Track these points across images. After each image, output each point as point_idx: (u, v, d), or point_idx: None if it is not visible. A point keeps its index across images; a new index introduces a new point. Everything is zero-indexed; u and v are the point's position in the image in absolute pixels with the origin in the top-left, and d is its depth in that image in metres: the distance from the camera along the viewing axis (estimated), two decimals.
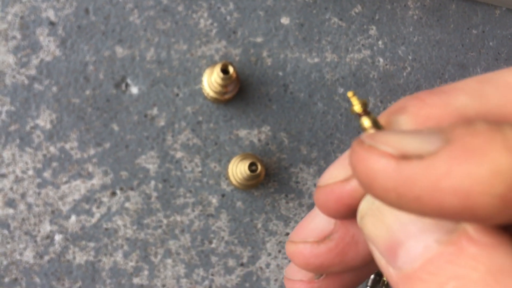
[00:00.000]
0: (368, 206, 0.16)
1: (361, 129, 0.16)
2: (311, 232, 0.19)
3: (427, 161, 0.13)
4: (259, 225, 0.44)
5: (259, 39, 0.45)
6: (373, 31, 0.47)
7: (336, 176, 0.17)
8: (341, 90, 0.46)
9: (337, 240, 0.19)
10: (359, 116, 0.16)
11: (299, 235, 0.20)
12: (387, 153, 0.13)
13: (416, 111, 0.16)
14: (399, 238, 0.14)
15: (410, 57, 0.47)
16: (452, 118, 0.15)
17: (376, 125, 0.16)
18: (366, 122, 0.15)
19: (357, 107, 0.16)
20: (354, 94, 0.16)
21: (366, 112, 0.16)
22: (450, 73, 0.48)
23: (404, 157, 0.13)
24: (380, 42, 0.47)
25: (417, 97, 0.16)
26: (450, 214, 0.13)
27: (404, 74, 0.47)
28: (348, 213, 0.18)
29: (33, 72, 0.42)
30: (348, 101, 0.46)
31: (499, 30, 0.49)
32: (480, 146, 0.12)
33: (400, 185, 0.13)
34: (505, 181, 0.12)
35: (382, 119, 0.16)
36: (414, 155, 0.13)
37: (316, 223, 0.19)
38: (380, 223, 0.15)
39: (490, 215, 0.12)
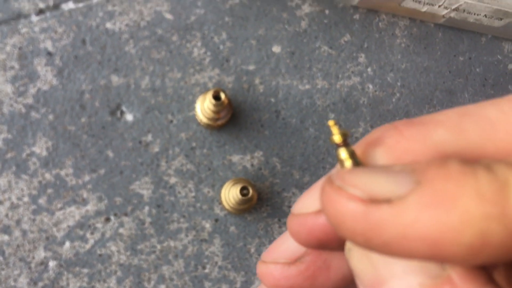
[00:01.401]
0: None
1: (336, 160, 0.16)
2: (283, 253, 0.19)
3: (395, 206, 0.12)
4: (253, 250, 0.44)
5: (251, 67, 0.46)
6: (362, 58, 0.48)
7: (310, 205, 0.17)
8: (332, 115, 0.47)
9: (308, 263, 0.19)
10: (337, 146, 0.16)
11: (271, 255, 0.19)
12: (356, 196, 0.13)
13: (393, 144, 0.15)
14: (383, 276, 0.14)
15: (398, 84, 0.48)
16: (429, 154, 0.15)
17: (353, 158, 0.15)
18: (343, 154, 0.15)
19: (336, 137, 0.16)
20: (336, 124, 0.16)
21: (345, 143, 0.16)
22: (438, 98, 0.49)
23: (373, 201, 0.13)
24: (369, 69, 0.48)
25: (395, 127, 0.16)
26: (420, 259, 0.13)
27: (393, 100, 0.48)
28: (319, 245, 0.17)
29: (30, 101, 0.43)
30: (340, 126, 0.46)
31: (485, 57, 0.50)
32: (450, 192, 0.12)
33: (368, 230, 0.13)
34: (474, 230, 0.12)
35: (358, 149, 0.16)
36: (383, 199, 0.13)
37: (289, 244, 0.19)
38: (365, 259, 0.15)
39: (460, 262, 0.12)
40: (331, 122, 0.16)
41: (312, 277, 0.19)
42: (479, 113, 0.15)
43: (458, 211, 0.12)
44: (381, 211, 0.13)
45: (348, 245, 0.16)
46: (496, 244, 0.12)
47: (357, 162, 0.15)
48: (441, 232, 0.12)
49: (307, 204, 0.17)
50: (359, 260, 0.15)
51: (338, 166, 0.17)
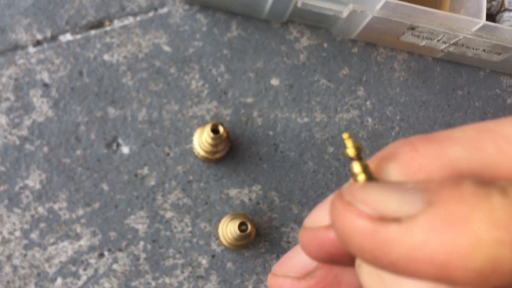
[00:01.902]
0: None
1: (350, 174, 0.16)
2: (294, 267, 0.19)
3: (404, 226, 0.12)
4: (250, 287, 0.43)
5: (249, 100, 0.46)
6: (361, 91, 0.48)
7: (322, 219, 0.17)
8: (331, 149, 0.46)
9: (319, 278, 0.18)
10: (350, 160, 0.15)
11: (281, 269, 0.19)
12: (365, 213, 0.13)
13: (407, 161, 0.15)
14: None
15: (397, 117, 0.48)
16: (443, 171, 0.14)
17: (366, 172, 0.15)
18: (356, 167, 0.15)
19: (350, 150, 0.15)
20: (350, 137, 0.16)
21: (358, 157, 0.15)
22: None
23: (382, 219, 0.13)
24: (368, 103, 0.48)
25: (410, 143, 0.15)
26: (428, 280, 0.12)
27: (393, 133, 0.48)
28: (330, 259, 0.17)
29: (24, 132, 0.42)
30: (339, 160, 0.46)
31: (484, 91, 0.50)
32: (462, 214, 0.12)
33: (376, 248, 0.13)
34: (485, 256, 0.11)
35: (372, 164, 0.16)
36: (392, 217, 0.12)
37: (300, 258, 0.19)
38: (375, 275, 0.14)
39: (470, 286, 0.12)
40: (345, 135, 0.16)
41: None
42: (497, 130, 0.14)
43: (468, 235, 0.11)
44: (389, 230, 0.12)
45: (358, 260, 0.15)
46: (508, 270, 0.11)
47: (370, 176, 0.15)
48: (450, 256, 0.11)
49: (319, 218, 0.17)
50: (369, 276, 0.15)
51: (351, 180, 0.16)
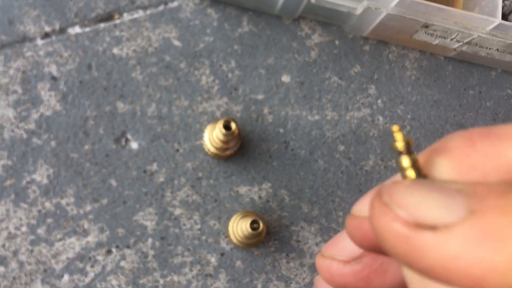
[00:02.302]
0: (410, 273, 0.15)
1: (397, 168, 0.15)
2: (341, 250, 0.19)
3: (440, 235, 0.12)
4: (259, 286, 0.42)
5: (260, 96, 0.45)
6: (372, 90, 0.47)
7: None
8: (341, 147, 0.46)
9: (364, 264, 0.18)
10: (399, 153, 0.15)
11: (330, 250, 0.19)
12: (400, 217, 0.12)
13: (461, 157, 0.14)
14: None
15: (409, 116, 0.48)
16: (499, 173, 0.13)
17: (415, 167, 0.14)
18: (405, 161, 0.14)
19: (400, 144, 0.14)
20: (400, 130, 0.15)
21: (408, 151, 0.14)
22: (448, 132, 0.48)
23: (418, 225, 0.12)
24: (379, 101, 0.47)
25: (469, 138, 0.14)
26: None
27: (404, 132, 0.47)
28: (373, 249, 0.17)
29: (32, 126, 0.41)
30: (349, 158, 0.45)
31: (495, 91, 0.50)
32: (503, 228, 0.11)
33: (409, 253, 0.12)
34: None
35: (422, 157, 0.15)
36: (428, 225, 0.12)
37: (348, 241, 0.19)
38: (418, 278, 0.14)
39: None
40: (395, 128, 0.15)
41: (367, 279, 0.18)
42: None
43: (507, 251, 0.11)
44: (424, 237, 0.12)
45: (404, 270, 0.15)
46: None
47: (419, 172, 0.14)
48: (485, 271, 0.11)
49: (366, 207, 0.17)
50: (412, 277, 0.14)
51: (398, 175, 0.16)
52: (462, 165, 0.14)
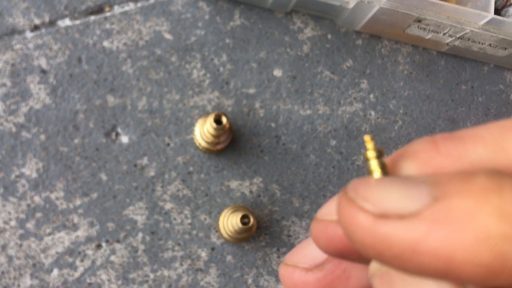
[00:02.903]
0: (377, 267, 0.15)
1: (367, 173, 0.15)
2: (304, 258, 0.19)
3: (407, 222, 0.12)
4: (250, 281, 0.42)
5: (251, 90, 0.45)
6: (364, 84, 0.47)
7: (334, 213, 0.17)
8: (333, 142, 0.46)
9: (327, 271, 0.18)
10: (368, 160, 0.15)
11: (293, 258, 0.19)
12: (365, 209, 0.13)
13: (427, 160, 0.14)
14: None
15: (401, 111, 0.47)
16: None
17: (382, 169, 0.15)
18: (373, 164, 0.15)
19: (371, 153, 0.15)
20: (372, 139, 0.15)
21: (377, 157, 0.15)
22: (440, 127, 0.48)
23: (383, 216, 0.12)
24: (371, 96, 0.47)
25: (433, 142, 0.15)
26: (435, 277, 0.12)
27: (396, 127, 0.47)
28: (339, 254, 0.17)
29: (21, 119, 0.41)
30: (341, 153, 0.45)
31: (487, 86, 0.50)
32: (469, 209, 0.11)
33: (378, 243, 0.12)
34: (493, 251, 0.11)
35: (389, 161, 0.15)
36: (394, 215, 0.12)
37: (311, 248, 0.19)
38: (386, 285, 0.14)
39: (478, 283, 0.11)
40: (367, 138, 0.15)
41: (330, 286, 0.18)
42: None
43: (474, 229, 0.11)
44: (391, 226, 0.12)
45: (371, 270, 0.15)
46: None
47: (385, 174, 0.15)
48: (454, 250, 0.11)
49: (331, 210, 0.17)
50: (377, 277, 0.14)
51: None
52: (427, 167, 0.14)
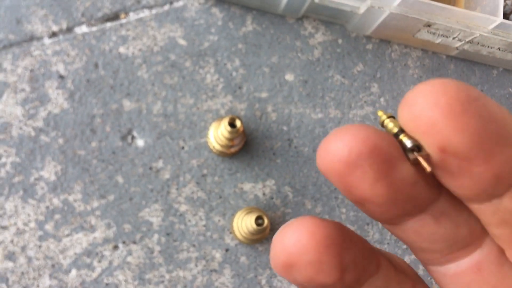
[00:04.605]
0: None
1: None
2: None
3: None
4: (263, 281, 0.43)
5: (264, 95, 0.46)
6: (375, 88, 0.48)
7: None
8: None
9: None
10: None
11: None
12: None
13: None
14: None
15: None
16: None
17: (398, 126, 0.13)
18: (389, 123, 0.14)
19: (384, 116, 0.14)
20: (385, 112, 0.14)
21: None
22: None
23: None
24: (382, 99, 0.48)
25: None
26: None
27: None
28: None
29: (40, 124, 0.42)
30: None
31: (497, 90, 0.50)
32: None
33: None
34: None
35: None
36: None
37: None
38: None
39: None
40: (380, 112, 0.14)
41: None
42: None
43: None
44: None
45: None
46: None
47: (402, 130, 0.13)
48: None
49: None
50: None
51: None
52: None
